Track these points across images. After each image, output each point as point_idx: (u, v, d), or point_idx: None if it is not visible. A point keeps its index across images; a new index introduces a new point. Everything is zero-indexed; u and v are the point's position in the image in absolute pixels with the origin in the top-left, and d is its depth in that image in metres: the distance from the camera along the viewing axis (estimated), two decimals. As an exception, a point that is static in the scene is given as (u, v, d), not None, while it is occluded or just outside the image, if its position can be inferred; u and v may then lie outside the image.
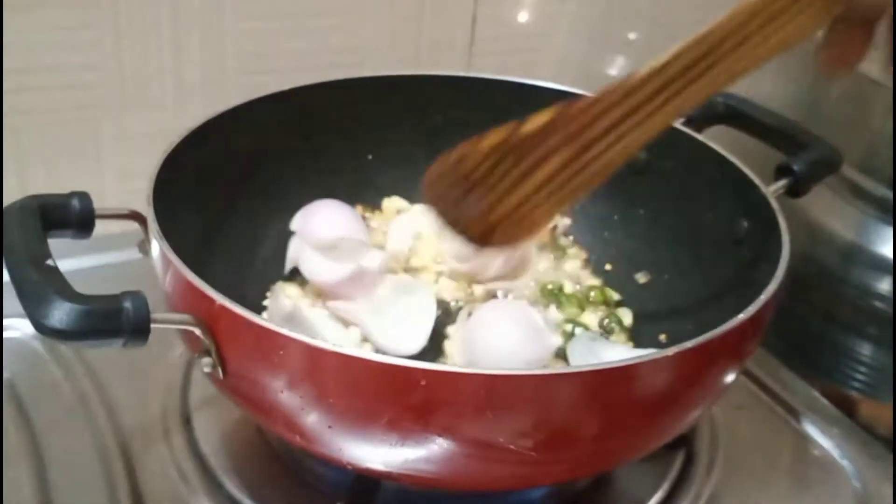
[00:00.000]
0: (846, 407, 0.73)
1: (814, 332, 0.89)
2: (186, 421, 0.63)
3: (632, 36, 0.97)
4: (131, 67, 0.75)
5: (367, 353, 0.44)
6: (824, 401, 0.71)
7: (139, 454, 0.60)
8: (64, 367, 0.66)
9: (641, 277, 0.72)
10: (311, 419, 0.47)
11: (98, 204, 0.55)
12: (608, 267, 0.73)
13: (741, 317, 0.49)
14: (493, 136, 0.50)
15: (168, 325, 0.47)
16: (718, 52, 0.45)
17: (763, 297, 0.51)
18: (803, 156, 0.65)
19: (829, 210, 0.87)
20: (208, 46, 0.77)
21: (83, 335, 0.44)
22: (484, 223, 0.52)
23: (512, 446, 0.45)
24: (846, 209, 0.85)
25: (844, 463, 0.65)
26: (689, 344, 0.46)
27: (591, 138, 0.48)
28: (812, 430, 0.68)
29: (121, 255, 0.72)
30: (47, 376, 0.65)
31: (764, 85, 0.91)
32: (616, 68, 0.98)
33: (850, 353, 0.86)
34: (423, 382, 0.43)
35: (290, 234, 0.70)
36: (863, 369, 0.85)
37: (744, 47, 0.45)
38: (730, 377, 0.52)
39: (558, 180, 0.49)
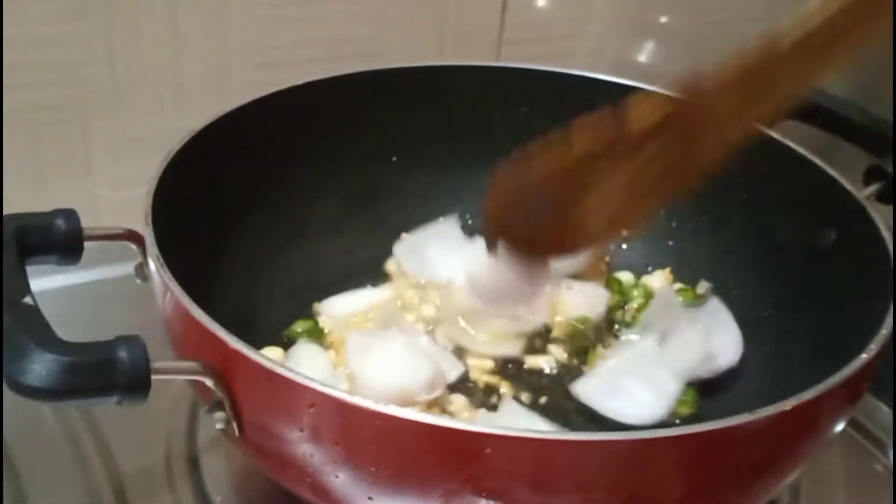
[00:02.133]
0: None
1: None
2: (194, 464, 0.57)
3: (663, 20, 0.92)
4: (124, 62, 0.70)
5: (418, 414, 0.37)
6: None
7: None
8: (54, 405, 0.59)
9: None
10: (348, 489, 0.40)
11: (89, 216, 0.50)
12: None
13: (864, 357, 0.42)
14: (586, 138, 0.44)
15: (172, 375, 0.41)
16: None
17: (885, 332, 0.44)
18: (896, 156, 0.57)
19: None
20: (210, 38, 0.72)
21: (68, 394, 0.38)
22: (564, 231, 0.47)
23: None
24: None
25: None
26: (807, 395, 0.39)
27: (707, 129, 0.43)
28: (899, 462, 0.61)
29: (120, 269, 0.64)
30: (34, 415, 0.59)
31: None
32: (647, 55, 0.93)
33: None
34: (487, 450, 0.37)
35: (309, 252, 0.64)
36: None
37: None
38: (842, 425, 0.44)
39: (661, 179, 0.44)
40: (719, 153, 0.44)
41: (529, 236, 0.48)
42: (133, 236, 0.50)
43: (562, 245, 0.48)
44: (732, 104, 0.42)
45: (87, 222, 0.50)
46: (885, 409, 0.66)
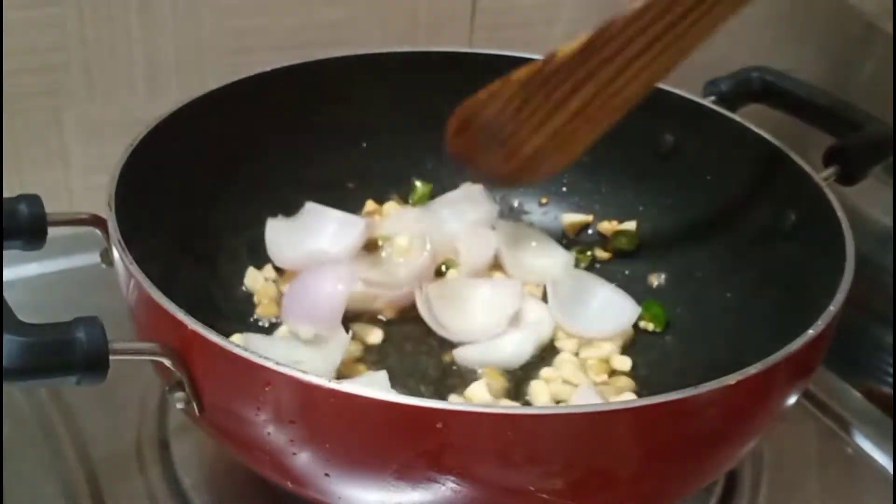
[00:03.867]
0: (891, 408, 0.66)
1: (849, 324, 0.83)
2: (164, 448, 0.57)
3: (639, 6, 0.91)
4: (97, 47, 0.70)
5: (370, 390, 0.37)
6: (875, 408, 0.65)
7: (110, 488, 0.54)
8: (25, 389, 0.59)
9: (654, 279, 0.65)
10: (305, 465, 0.41)
11: (64, 202, 0.49)
12: (626, 272, 0.67)
13: (810, 332, 0.43)
14: (525, 69, 0.50)
15: (131, 355, 0.41)
16: None
17: (833, 308, 0.44)
18: (856, 138, 0.58)
19: (864, 192, 0.81)
20: (183, 23, 0.72)
21: (28, 373, 0.38)
22: (518, 159, 0.53)
23: (544, 495, 0.39)
24: (883, 191, 0.80)
25: (902, 479, 0.59)
26: (752, 369, 0.40)
27: (629, 57, 0.49)
28: (865, 444, 0.62)
29: (85, 259, 0.64)
30: (6, 399, 0.58)
31: (787, 55, 0.85)
32: None
33: (888, 347, 0.80)
34: (438, 425, 0.37)
35: None
36: (897, 363, 0.80)
37: None
38: (793, 400, 0.45)
39: (595, 104, 0.50)
40: (639, 84, 0.50)
41: (488, 167, 0.55)
42: (97, 221, 0.50)
43: (517, 175, 0.56)
44: (643, 40, 0.48)
45: (61, 208, 0.50)
46: (857, 394, 0.66)
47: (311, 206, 0.64)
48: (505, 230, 0.65)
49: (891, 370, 0.79)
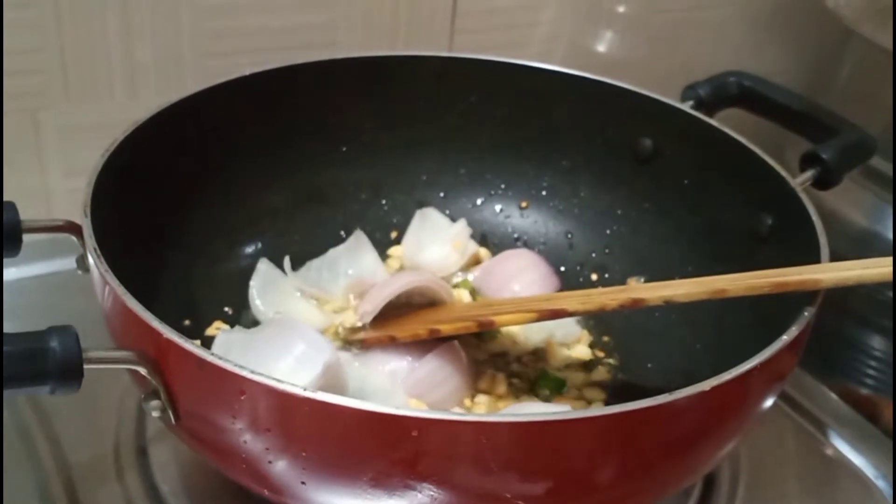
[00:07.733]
0: (868, 409, 0.67)
1: (826, 325, 0.84)
2: (142, 454, 0.57)
3: (620, 9, 0.92)
4: (74, 50, 0.69)
5: (345, 399, 0.37)
6: (851, 410, 0.66)
7: (87, 494, 0.54)
8: (1, 395, 0.59)
9: (633, 283, 0.65)
10: (281, 473, 0.41)
11: (41, 207, 0.48)
12: (606, 275, 0.67)
13: (784, 338, 0.43)
14: None
15: (106, 364, 0.40)
16: None
17: (807, 314, 0.44)
18: (832, 143, 0.58)
19: (840, 194, 0.82)
20: (162, 25, 0.71)
21: None
22: None
23: (521, 501, 0.39)
24: (860, 193, 0.80)
25: (879, 482, 0.59)
26: (727, 375, 0.40)
27: None
28: (842, 445, 0.62)
29: (62, 264, 0.64)
30: None
31: (766, 59, 0.86)
32: (603, 44, 0.92)
33: (864, 349, 0.81)
34: (414, 433, 0.37)
35: (257, 243, 0.64)
36: (874, 364, 0.80)
37: None
38: (768, 403, 0.45)
39: None
40: None
41: None
42: (73, 228, 0.49)
43: None
44: None
45: (39, 211, 0.50)
46: (833, 396, 0.67)
47: (276, 318, 0.58)
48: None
49: (868, 371, 0.80)
